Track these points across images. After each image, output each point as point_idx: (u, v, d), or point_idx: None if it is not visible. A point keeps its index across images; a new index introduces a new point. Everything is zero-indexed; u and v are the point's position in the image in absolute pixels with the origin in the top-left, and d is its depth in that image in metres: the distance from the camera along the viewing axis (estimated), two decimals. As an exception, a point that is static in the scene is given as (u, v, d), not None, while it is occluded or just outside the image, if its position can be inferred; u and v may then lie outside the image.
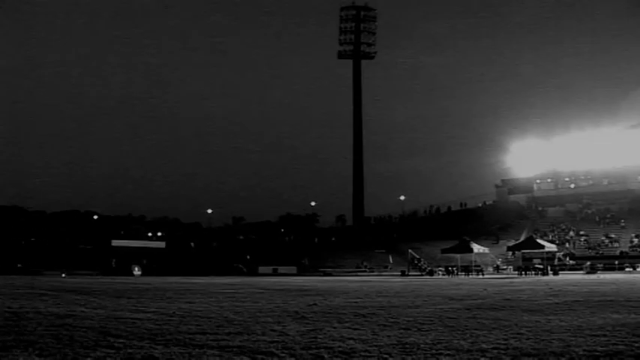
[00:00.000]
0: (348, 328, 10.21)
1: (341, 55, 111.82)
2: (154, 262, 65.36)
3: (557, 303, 15.34)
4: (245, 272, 64.18)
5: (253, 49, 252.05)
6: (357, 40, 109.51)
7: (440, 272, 54.82)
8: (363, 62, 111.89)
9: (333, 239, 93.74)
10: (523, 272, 49.10)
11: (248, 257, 71.54)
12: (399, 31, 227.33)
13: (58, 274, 52.00)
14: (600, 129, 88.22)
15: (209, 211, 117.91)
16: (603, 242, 70.38)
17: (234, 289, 25.33)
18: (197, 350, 7.75)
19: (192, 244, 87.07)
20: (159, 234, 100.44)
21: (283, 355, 7.44)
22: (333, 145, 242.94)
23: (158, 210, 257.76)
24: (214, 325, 10.79)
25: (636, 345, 7.93)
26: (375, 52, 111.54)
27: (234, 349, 7.82)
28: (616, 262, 59.89)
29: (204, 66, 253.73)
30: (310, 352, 7.63)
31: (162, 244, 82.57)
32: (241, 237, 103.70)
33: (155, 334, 9.28)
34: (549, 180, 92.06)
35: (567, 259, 63.43)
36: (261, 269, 66.78)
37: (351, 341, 8.50)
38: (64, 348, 7.87)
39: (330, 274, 59.45)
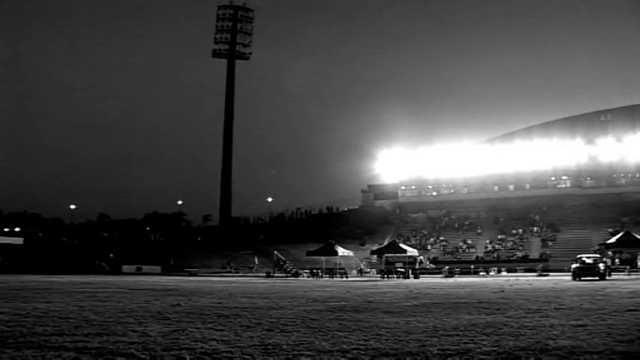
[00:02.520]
0: (211, 329, 10.17)
1: (215, 54, 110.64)
2: (9, 259, 61.97)
3: (416, 305, 15.91)
4: (108, 271, 62.15)
5: (124, 42, 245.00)
6: (232, 40, 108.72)
7: (305, 274, 55.38)
8: (238, 63, 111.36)
9: (200, 239, 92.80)
10: (386, 275, 50.39)
11: (111, 255, 69.35)
12: (276, 34, 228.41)
13: None
14: (462, 142, 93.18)
15: (72, 206, 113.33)
16: (461, 248, 73.80)
17: (95, 288, 24.56)
18: (52, 353, 7.47)
19: (52, 240, 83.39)
20: (16, 229, 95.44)
21: (144, 356, 7.32)
22: (203, 144, 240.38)
23: (16, 204, 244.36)
24: (72, 325, 10.42)
25: (483, 343, 8.41)
26: (251, 53, 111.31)
27: (93, 351, 7.60)
28: (472, 267, 62.93)
29: (70, 61, 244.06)
30: (172, 353, 7.55)
31: (19, 240, 78.37)
32: (105, 234, 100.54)
33: (6, 337, 8.83)
34: (414, 187, 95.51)
35: (428, 263, 65.95)
36: (125, 268, 65.04)
37: (214, 342, 8.48)
38: None
39: (195, 274, 58.73)
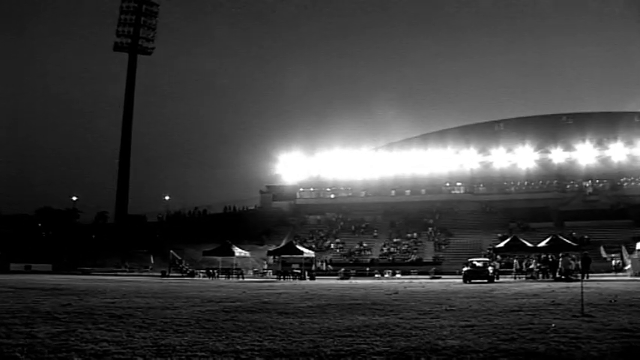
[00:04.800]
0: (103, 329, 9.95)
1: (117, 47, 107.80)
2: None
3: (311, 306, 16.08)
4: (-7, 269, 59.53)
5: (21, 32, 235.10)
6: (135, 34, 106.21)
7: (201, 274, 54.90)
8: (141, 58, 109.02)
9: (94, 237, 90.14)
10: (282, 276, 50.61)
11: (-2, 253, 66.37)
12: (182, 31, 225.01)
13: None
14: (361, 147, 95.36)
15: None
16: (357, 250, 74.80)
17: (-21, 287, 23.53)
18: None
19: None
20: None
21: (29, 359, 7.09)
22: (101, 138, 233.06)
23: None
24: (-50, 327, 9.95)
25: (376, 344, 8.62)
26: (153, 48, 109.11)
27: (-27, 354, 7.30)
28: (367, 269, 63.89)
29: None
30: (60, 355, 7.34)
31: None
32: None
33: None
34: (312, 189, 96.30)
35: (324, 264, 66.53)
36: (13, 266, 62.37)
37: (105, 343, 8.31)
38: None
39: (88, 273, 57.20)
